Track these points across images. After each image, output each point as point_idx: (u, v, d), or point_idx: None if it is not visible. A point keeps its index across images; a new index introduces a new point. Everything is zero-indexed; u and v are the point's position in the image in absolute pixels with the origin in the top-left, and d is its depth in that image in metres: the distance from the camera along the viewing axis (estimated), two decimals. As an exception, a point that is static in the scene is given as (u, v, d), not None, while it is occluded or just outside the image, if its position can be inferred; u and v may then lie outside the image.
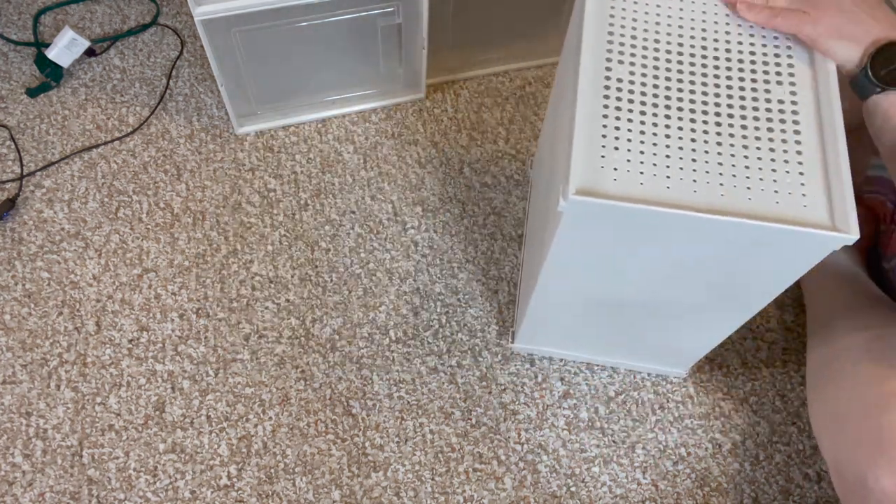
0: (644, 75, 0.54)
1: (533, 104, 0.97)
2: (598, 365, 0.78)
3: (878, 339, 0.64)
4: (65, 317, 0.78)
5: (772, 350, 0.80)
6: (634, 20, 0.58)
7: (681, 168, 0.51)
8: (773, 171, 0.51)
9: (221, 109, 0.94)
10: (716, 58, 0.56)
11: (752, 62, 0.56)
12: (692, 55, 0.56)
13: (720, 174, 0.50)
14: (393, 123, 0.94)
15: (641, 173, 0.50)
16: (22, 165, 0.88)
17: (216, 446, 0.72)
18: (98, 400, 0.74)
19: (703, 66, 0.56)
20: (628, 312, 0.67)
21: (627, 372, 0.77)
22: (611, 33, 0.56)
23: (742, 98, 0.54)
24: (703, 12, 0.59)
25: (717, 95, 0.54)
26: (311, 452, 0.72)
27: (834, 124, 0.53)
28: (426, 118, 0.94)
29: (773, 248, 0.52)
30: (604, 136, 0.51)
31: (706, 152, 0.51)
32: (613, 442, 0.74)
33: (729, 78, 0.55)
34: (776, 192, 0.50)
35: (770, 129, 0.53)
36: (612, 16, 0.57)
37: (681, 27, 0.58)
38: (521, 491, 0.71)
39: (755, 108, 0.54)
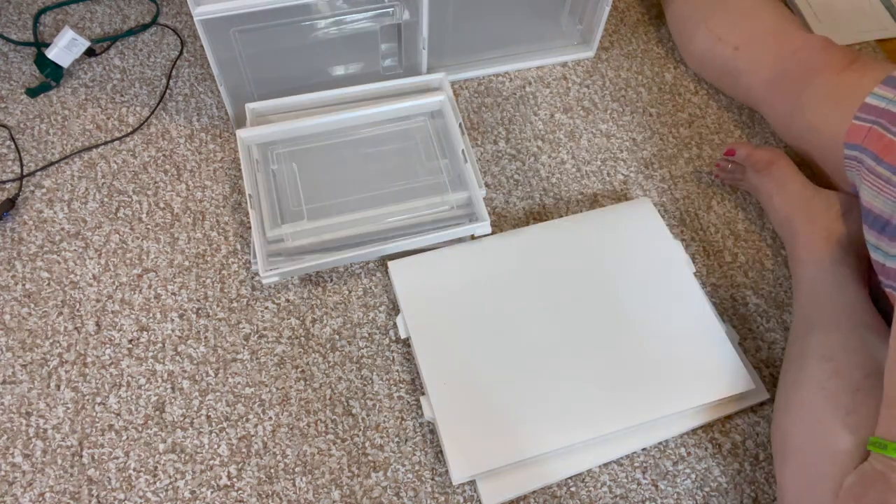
0: None
1: (533, 104, 0.97)
2: None
3: (835, 377, 0.65)
4: (65, 317, 0.78)
5: (771, 350, 0.80)
6: None
7: None
8: None
9: (221, 109, 0.94)
10: None
11: None
12: None
13: None
14: (393, 123, 0.94)
15: None
16: (22, 165, 0.88)
17: (216, 446, 0.72)
18: (98, 400, 0.74)
19: None
20: None
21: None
22: None
23: None
24: None
25: None
26: (311, 452, 0.72)
27: None
28: (426, 118, 0.94)
29: None
30: None
31: None
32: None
33: None
34: None
35: None
36: None
37: None
38: (521, 491, 0.71)
39: None
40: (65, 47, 0.91)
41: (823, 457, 0.62)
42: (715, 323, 0.77)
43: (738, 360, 0.75)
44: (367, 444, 0.73)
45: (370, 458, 0.72)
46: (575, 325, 0.76)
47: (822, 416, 0.63)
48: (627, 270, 0.80)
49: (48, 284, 0.80)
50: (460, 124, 0.86)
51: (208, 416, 0.73)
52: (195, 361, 0.76)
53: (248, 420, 0.73)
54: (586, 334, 0.76)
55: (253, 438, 0.72)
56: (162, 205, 0.86)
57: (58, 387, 0.74)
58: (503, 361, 0.74)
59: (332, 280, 0.82)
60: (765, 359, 0.79)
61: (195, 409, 0.74)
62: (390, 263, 0.79)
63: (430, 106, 0.89)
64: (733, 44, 0.91)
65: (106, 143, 0.90)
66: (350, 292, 0.81)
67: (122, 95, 0.95)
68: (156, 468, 0.70)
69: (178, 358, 0.76)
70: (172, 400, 0.74)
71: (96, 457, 0.71)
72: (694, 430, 0.74)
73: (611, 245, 0.82)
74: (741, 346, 0.79)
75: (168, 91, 0.95)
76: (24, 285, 0.80)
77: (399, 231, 0.82)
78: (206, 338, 0.78)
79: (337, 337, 0.78)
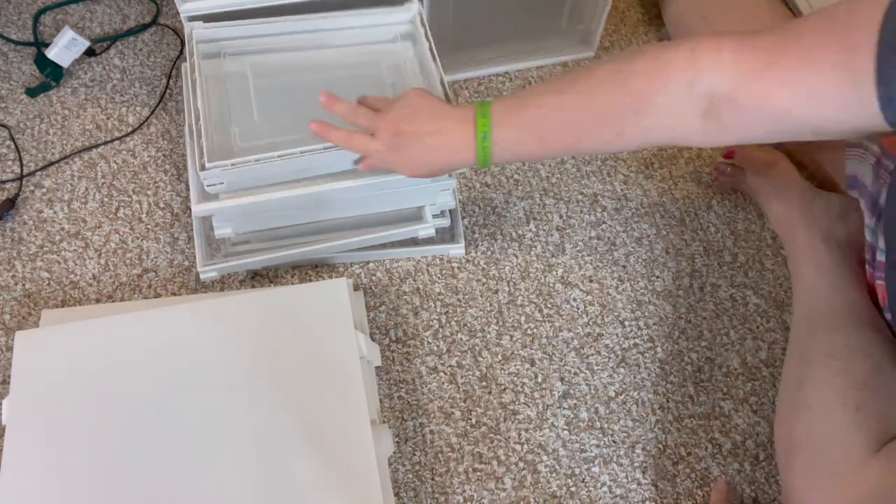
0: None
1: (533, 104, 0.97)
2: None
3: (841, 374, 0.65)
4: (65, 317, 0.78)
5: (771, 350, 0.80)
6: None
7: None
8: None
9: (221, 109, 0.94)
10: None
11: None
12: None
13: None
14: (393, 123, 0.93)
15: None
16: (22, 165, 0.88)
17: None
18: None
19: None
20: None
21: (626, 373, 0.77)
22: None
23: None
24: None
25: None
26: (311, 452, 0.72)
27: None
28: (426, 118, 0.94)
29: None
30: None
31: None
32: (613, 442, 0.74)
33: None
34: None
35: None
36: None
37: None
38: (521, 491, 0.71)
39: None
40: (65, 47, 0.91)
41: (833, 453, 0.61)
42: (367, 433, 0.65)
43: (377, 480, 0.63)
44: (367, 444, 0.72)
45: (370, 458, 0.72)
46: (211, 427, 0.65)
47: (831, 413, 0.63)
48: (289, 362, 0.68)
49: (48, 284, 0.80)
50: (431, 48, 0.77)
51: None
52: (195, 361, 0.76)
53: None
54: (222, 435, 0.65)
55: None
56: (162, 205, 0.86)
57: (58, 387, 0.74)
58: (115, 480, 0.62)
59: (328, 277, 0.82)
60: (764, 359, 0.79)
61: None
62: (18, 334, 0.68)
63: (396, 21, 0.81)
64: None
65: (106, 142, 0.90)
66: (350, 292, 0.81)
67: (121, 95, 0.95)
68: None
69: (178, 358, 0.76)
70: (172, 400, 0.74)
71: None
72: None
73: (280, 332, 0.70)
74: (742, 347, 0.79)
75: (168, 91, 0.95)
76: (24, 285, 0.80)
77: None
78: (206, 338, 0.78)
79: (337, 337, 0.78)
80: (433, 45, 0.77)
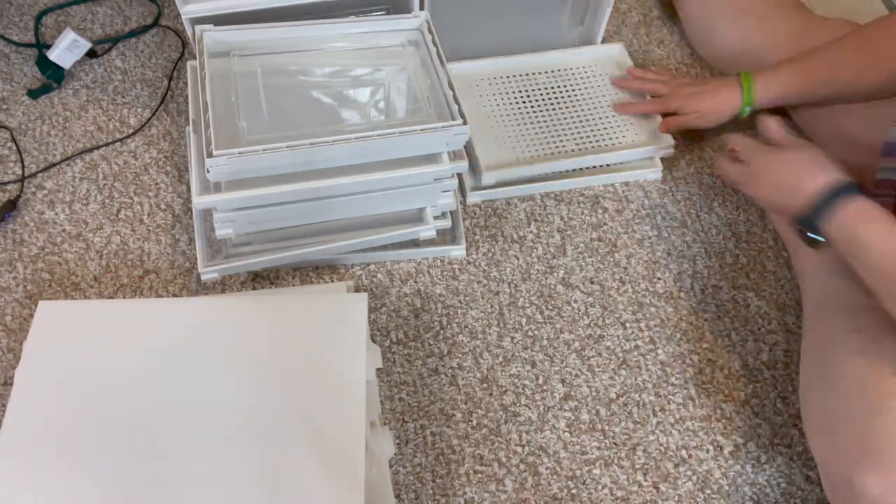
0: None
1: (534, 105, 0.97)
2: None
3: (872, 342, 0.64)
4: (66, 318, 0.78)
5: (773, 352, 0.80)
6: None
7: None
8: None
9: (222, 111, 0.94)
10: None
11: None
12: None
13: None
14: (394, 125, 0.93)
15: None
16: (23, 167, 0.88)
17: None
18: (99, 401, 0.74)
19: None
20: None
21: (627, 375, 0.77)
22: None
23: None
24: None
25: None
26: (312, 454, 0.72)
27: None
28: (427, 119, 0.94)
29: None
30: None
31: None
32: (615, 444, 0.74)
33: None
34: None
35: None
36: None
37: None
38: (522, 493, 0.71)
39: None
40: (66, 48, 0.91)
41: (881, 423, 0.58)
42: (360, 456, 0.64)
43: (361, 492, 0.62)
44: (367, 445, 0.72)
45: (371, 459, 0.72)
46: (209, 419, 0.66)
47: (871, 378, 0.61)
48: (295, 364, 0.70)
49: (49, 286, 0.80)
50: (439, 53, 0.77)
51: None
52: (196, 363, 0.76)
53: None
54: (220, 429, 0.66)
55: (254, 440, 0.72)
56: (163, 206, 0.86)
57: (59, 388, 0.74)
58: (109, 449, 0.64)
59: (328, 279, 0.82)
60: (766, 361, 0.79)
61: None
62: (42, 303, 0.72)
63: (404, 27, 0.81)
64: (758, 15, 0.92)
65: (107, 144, 0.90)
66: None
67: (123, 97, 0.95)
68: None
69: (178, 359, 0.76)
70: (173, 401, 0.74)
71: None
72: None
73: (293, 336, 0.72)
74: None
75: (169, 92, 0.95)
76: (25, 287, 0.80)
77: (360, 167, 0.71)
78: (206, 339, 0.78)
79: (338, 338, 0.78)
80: (441, 50, 0.77)
